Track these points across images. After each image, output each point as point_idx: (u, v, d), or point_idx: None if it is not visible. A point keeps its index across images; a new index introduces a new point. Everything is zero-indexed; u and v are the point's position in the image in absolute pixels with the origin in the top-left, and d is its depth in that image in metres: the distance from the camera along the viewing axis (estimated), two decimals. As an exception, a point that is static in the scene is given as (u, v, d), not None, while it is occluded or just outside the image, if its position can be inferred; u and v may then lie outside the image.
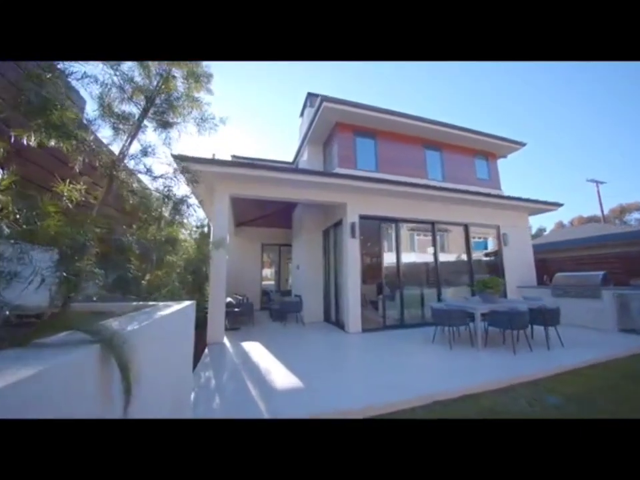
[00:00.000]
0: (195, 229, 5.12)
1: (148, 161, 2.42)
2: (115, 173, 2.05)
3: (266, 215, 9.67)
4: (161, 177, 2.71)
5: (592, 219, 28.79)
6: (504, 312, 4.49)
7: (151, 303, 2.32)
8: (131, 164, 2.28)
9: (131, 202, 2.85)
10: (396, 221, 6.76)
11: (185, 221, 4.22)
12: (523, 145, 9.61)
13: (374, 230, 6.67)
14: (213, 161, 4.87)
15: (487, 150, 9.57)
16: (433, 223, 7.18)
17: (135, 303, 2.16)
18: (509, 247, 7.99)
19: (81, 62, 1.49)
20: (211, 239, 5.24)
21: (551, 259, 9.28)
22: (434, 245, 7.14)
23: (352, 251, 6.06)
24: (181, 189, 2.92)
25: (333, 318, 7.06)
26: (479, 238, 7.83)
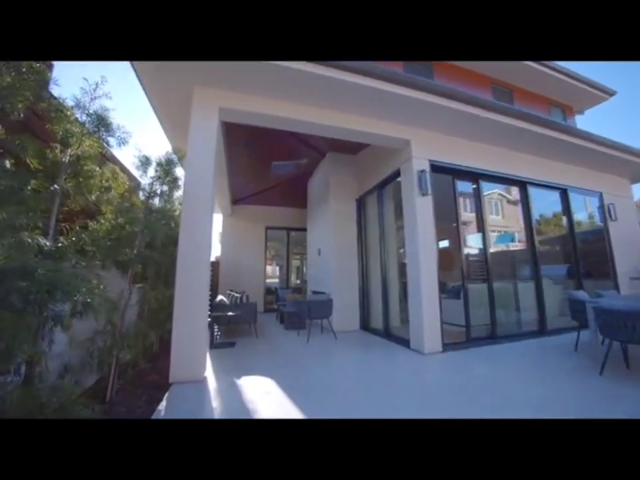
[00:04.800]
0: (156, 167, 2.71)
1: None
2: None
3: (272, 186, 7.31)
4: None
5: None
6: None
7: None
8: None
9: None
10: (477, 176, 4.39)
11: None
12: (610, 94, 7.30)
13: (442, 191, 4.27)
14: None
15: (563, 101, 7.23)
16: (524, 183, 4.82)
17: None
18: (616, 223, 5.67)
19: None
20: (182, 191, 2.86)
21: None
22: (526, 217, 4.77)
23: (423, 218, 3.65)
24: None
25: (379, 325, 4.67)
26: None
